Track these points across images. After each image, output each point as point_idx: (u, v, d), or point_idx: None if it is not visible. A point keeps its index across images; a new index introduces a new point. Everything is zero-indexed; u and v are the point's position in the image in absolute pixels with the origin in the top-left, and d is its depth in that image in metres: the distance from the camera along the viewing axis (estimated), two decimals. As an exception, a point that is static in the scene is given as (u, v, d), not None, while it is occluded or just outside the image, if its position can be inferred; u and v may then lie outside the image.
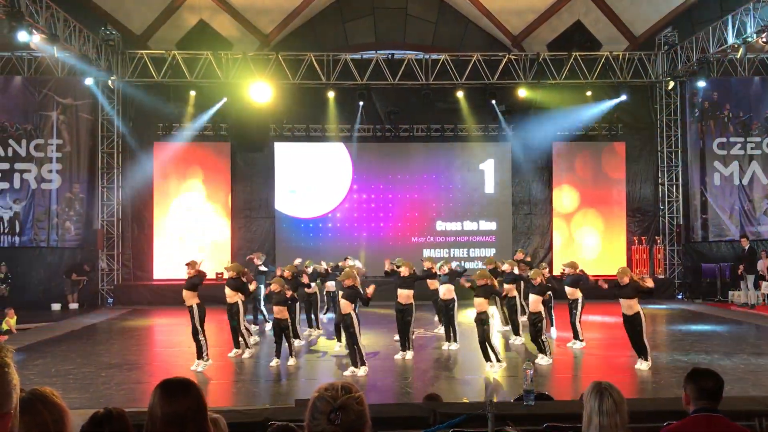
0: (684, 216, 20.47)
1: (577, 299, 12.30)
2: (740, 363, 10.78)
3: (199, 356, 10.77)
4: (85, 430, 3.05)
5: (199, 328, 10.84)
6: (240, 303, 12.05)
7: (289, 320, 11.36)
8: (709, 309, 17.68)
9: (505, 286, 12.96)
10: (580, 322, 12.33)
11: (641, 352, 10.40)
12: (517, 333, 13.12)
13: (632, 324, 10.34)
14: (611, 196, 20.89)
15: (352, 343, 10.34)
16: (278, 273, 13.20)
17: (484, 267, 13.55)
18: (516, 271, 13.10)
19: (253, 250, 19.84)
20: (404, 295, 11.69)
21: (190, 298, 10.95)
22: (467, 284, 10.86)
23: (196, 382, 2.46)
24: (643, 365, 10.31)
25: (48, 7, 15.12)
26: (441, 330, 13.72)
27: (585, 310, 12.63)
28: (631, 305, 10.29)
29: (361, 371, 10.22)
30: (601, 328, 14.62)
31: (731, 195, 19.84)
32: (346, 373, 10.23)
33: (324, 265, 14.43)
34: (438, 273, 12.79)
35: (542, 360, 10.90)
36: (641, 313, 10.36)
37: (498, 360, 10.18)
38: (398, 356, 11.43)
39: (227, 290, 11.93)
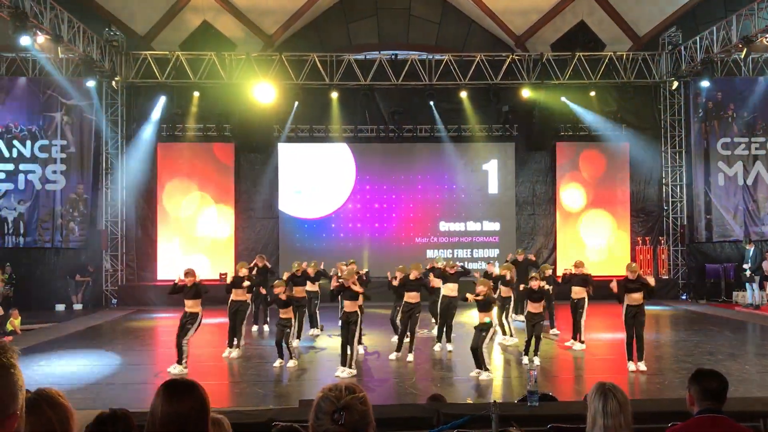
0: (688, 216, 20.44)
1: (584, 298, 12.31)
2: (745, 364, 10.75)
3: (180, 361, 10.66)
4: (90, 430, 3.06)
5: (191, 335, 10.82)
6: (250, 304, 12.26)
7: (294, 320, 11.38)
8: (713, 309, 17.64)
9: (502, 288, 13.10)
10: (583, 322, 12.34)
11: (640, 350, 10.40)
12: (504, 333, 13.17)
13: (637, 316, 10.38)
14: (615, 196, 20.87)
15: (349, 342, 10.33)
16: (294, 270, 13.31)
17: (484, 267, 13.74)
18: (508, 276, 13.10)
19: (257, 251, 19.89)
20: (413, 296, 11.75)
21: (196, 306, 10.91)
22: (470, 297, 10.80)
23: (199, 384, 2.46)
24: (642, 366, 10.31)
25: (52, 8, 15.16)
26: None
27: (588, 311, 12.60)
28: (638, 298, 10.41)
29: (345, 373, 10.18)
30: (605, 328, 14.58)
31: (735, 195, 19.79)
32: (337, 373, 10.20)
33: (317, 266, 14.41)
34: (449, 272, 12.82)
35: (524, 359, 11.02)
36: (644, 306, 10.50)
37: (486, 369, 10.19)
38: (393, 357, 11.44)
39: (237, 289, 12.14)
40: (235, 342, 12.03)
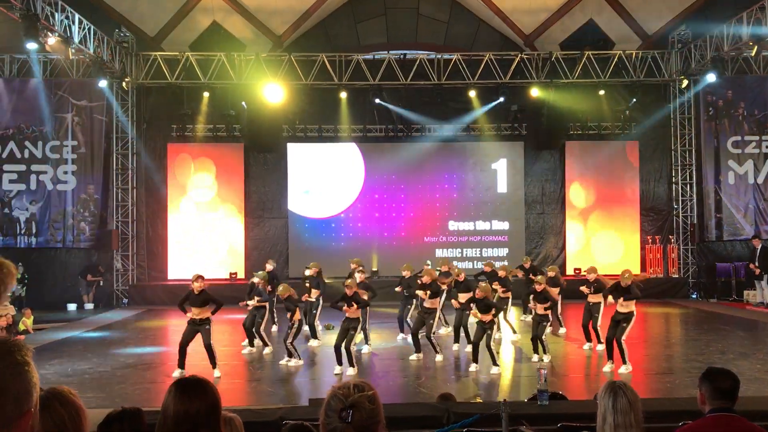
0: (698, 215, 20.33)
1: (599, 303, 12.18)
2: (756, 363, 10.69)
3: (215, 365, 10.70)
4: (101, 428, 3.09)
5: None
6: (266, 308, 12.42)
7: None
8: (723, 308, 17.55)
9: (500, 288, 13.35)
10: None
11: (613, 351, 10.25)
12: (514, 332, 13.38)
13: (619, 322, 10.19)
14: (625, 195, 20.77)
15: (348, 343, 10.34)
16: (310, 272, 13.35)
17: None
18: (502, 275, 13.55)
19: (266, 251, 19.95)
20: (429, 300, 11.74)
21: (206, 312, 10.79)
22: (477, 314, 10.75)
23: (212, 382, 2.47)
24: (623, 368, 10.13)
25: (63, 9, 15.25)
26: (449, 329, 13.76)
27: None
28: (628, 305, 10.28)
29: (350, 370, 10.26)
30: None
31: (745, 194, 19.66)
32: (335, 372, 10.25)
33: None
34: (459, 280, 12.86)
35: (535, 358, 11.01)
36: (634, 313, 10.35)
37: (476, 362, 10.26)
38: (413, 357, 11.36)
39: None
40: (257, 342, 12.23)
